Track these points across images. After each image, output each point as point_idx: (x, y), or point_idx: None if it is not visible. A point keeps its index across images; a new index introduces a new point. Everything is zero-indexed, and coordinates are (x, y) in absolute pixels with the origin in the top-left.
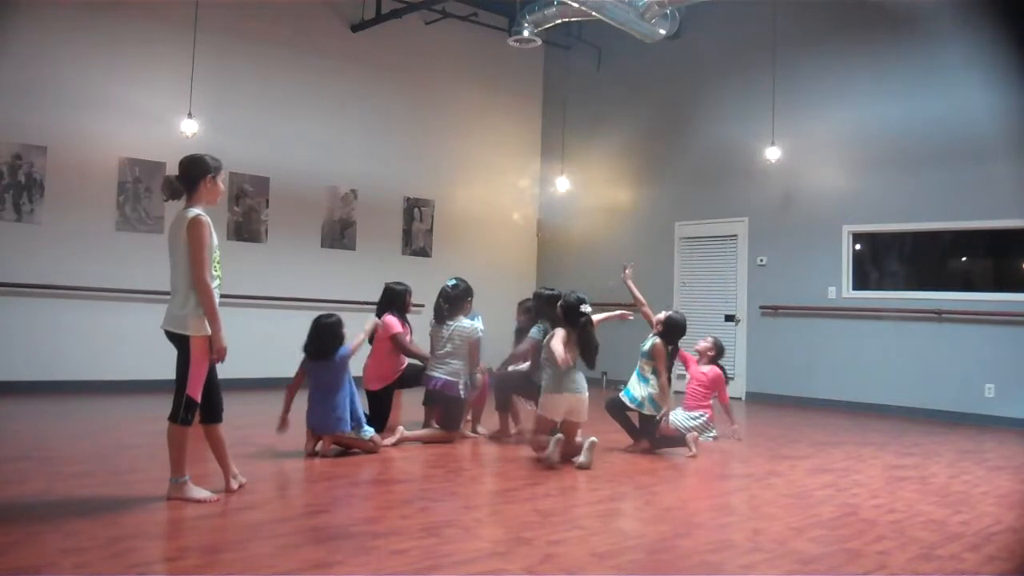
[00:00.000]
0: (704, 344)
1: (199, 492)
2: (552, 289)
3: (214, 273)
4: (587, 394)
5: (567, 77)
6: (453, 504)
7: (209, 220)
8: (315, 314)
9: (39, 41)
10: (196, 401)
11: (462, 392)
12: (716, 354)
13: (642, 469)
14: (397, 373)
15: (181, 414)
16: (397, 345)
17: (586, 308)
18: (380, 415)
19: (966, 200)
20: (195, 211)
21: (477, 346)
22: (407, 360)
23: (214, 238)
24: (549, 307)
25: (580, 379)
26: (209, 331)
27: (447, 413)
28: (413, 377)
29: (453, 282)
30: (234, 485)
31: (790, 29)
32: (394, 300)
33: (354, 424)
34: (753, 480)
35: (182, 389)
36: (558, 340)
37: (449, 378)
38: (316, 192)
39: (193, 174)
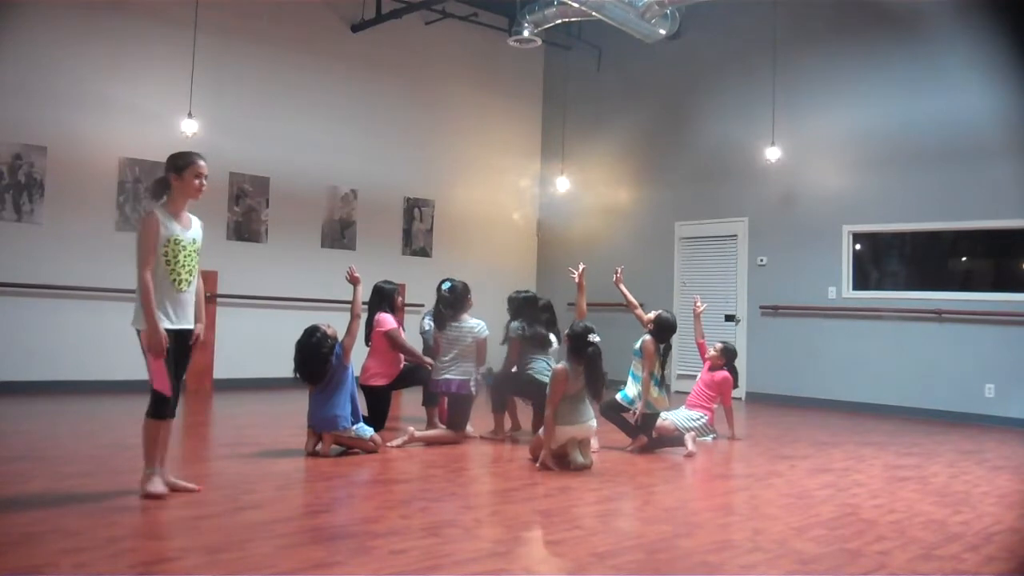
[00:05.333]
0: (713, 353)
1: (154, 486)
2: (525, 291)
3: (168, 267)
4: (595, 422)
5: (567, 77)
6: (453, 504)
7: (161, 216)
8: (315, 315)
9: (39, 41)
10: (164, 395)
11: (473, 391)
12: (725, 361)
13: (642, 469)
14: (397, 369)
15: (149, 408)
16: (391, 342)
17: (595, 338)
18: (379, 414)
19: (966, 200)
20: (152, 206)
21: (484, 344)
22: (404, 358)
23: (177, 233)
24: (525, 307)
25: (587, 409)
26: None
27: (456, 413)
28: (410, 376)
29: (448, 284)
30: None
31: (790, 29)
32: (384, 298)
33: (352, 420)
34: (753, 480)
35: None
36: (559, 382)
37: (462, 378)
38: (316, 192)
39: (165, 172)
